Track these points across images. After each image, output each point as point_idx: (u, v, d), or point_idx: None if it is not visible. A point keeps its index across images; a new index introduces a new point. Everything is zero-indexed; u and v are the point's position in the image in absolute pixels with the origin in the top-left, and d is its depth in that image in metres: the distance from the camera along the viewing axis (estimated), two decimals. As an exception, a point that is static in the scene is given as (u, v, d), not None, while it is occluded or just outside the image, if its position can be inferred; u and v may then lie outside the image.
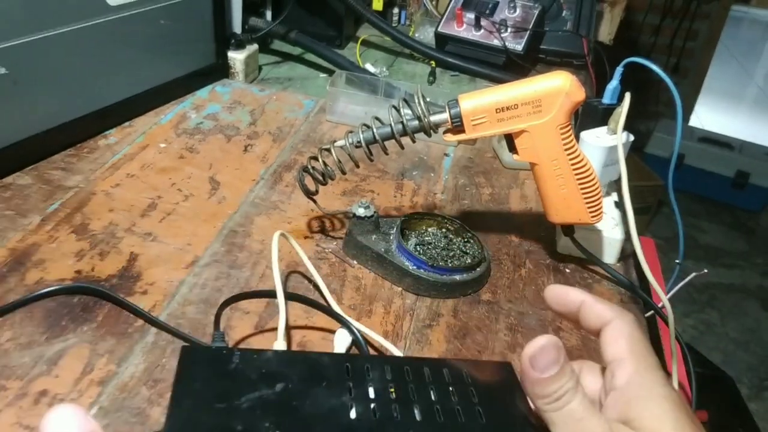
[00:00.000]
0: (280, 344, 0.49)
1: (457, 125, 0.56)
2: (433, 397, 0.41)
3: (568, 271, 0.65)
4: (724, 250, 2.57)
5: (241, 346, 0.52)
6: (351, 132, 0.59)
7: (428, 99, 0.60)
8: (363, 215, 0.61)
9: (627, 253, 0.68)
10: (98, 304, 0.54)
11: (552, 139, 0.56)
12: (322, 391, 0.40)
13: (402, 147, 0.59)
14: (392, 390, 0.41)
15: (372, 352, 0.52)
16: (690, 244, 2.55)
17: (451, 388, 0.42)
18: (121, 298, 0.53)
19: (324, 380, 0.41)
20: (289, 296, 0.53)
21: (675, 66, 3.00)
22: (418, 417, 0.39)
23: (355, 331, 0.50)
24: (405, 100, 0.59)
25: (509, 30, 1.11)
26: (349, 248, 0.63)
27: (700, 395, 0.57)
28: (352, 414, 0.39)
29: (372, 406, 0.40)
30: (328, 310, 0.53)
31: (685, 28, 2.92)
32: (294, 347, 0.52)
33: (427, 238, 0.64)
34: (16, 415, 0.44)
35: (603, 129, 0.67)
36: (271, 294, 0.51)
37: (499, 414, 0.41)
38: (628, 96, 0.64)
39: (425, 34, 1.22)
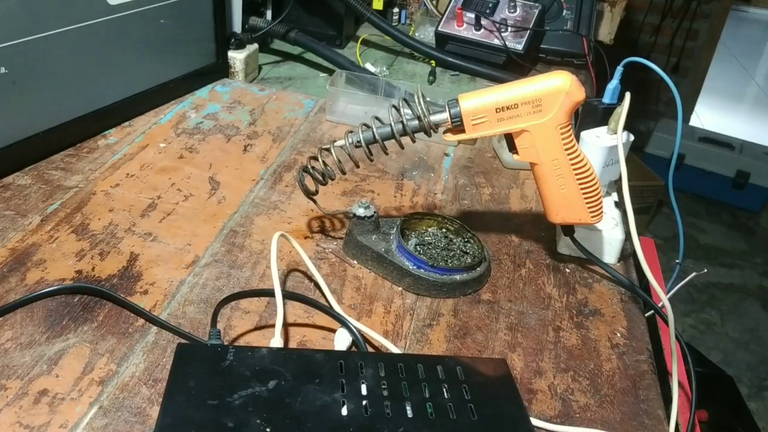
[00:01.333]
0: (276, 342, 0.49)
1: (457, 125, 0.56)
2: (425, 394, 0.41)
3: (568, 271, 0.65)
4: (723, 250, 2.57)
5: (240, 344, 0.52)
6: (351, 132, 0.59)
7: (428, 99, 0.60)
8: (363, 215, 0.61)
9: (627, 253, 0.68)
10: (99, 304, 0.54)
11: (552, 139, 0.56)
12: (314, 388, 0.40)
13: (402, 147, 0.59)
14: (385, 387, 0.41)
15: (371, 350, 0.52)
16: (690, 244, 2.55)
17: (444, 385, 0.42)
18: (121, 298, 0.53)
19: (317, 377, 0.41)
20: (288, 295, 0.53)
21: (675, 66, 3.00)
22: (409, 414, 0.39)
23: (354, 330, 0.50)
24: (405, 100, 0.59)
25: (509, 29, 1.11)
26: (349, 248, 0.63)
27: (700, 395, 0.57)
28: (344, 411, 0.39)
29: (364, 402, 0.40)
30: (326, 309, 0.53)
31: (685, 28, 2.92)
32: (294, 346, 0.52)
33: (427, 238, 0.64)
34: (17, 415, 0.44)
35: (603, 129, 0.67)
36: (269, 293, 0.51)
37: (492, 411, 0.41)
38: (628, 96, 0.64)
39: (425, 34, 1.22)
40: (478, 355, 0.53)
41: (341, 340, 0.52)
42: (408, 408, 0.40)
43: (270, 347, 0.45)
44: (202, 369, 0.41)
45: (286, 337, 0.53)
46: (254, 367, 0.41)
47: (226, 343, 0.50)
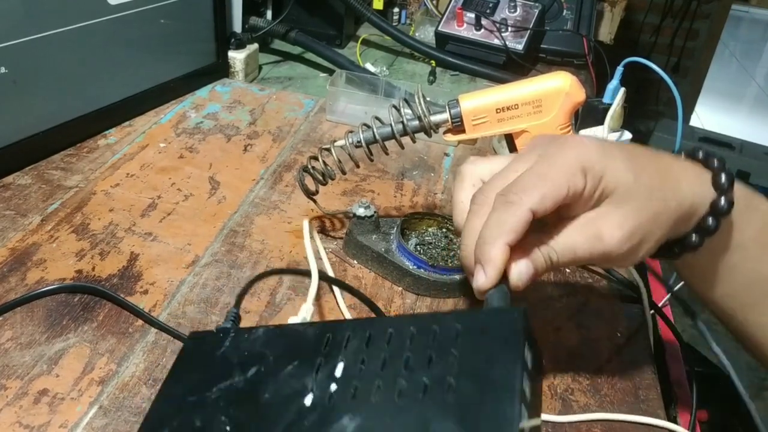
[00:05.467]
0: (299, 318, 0.46)
1: (457, 125, 0.56)
2: (402, 369, 0.34)
3: (568, 271, 0.65)
4: (724, 250, 2.57)
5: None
6: (351, 132, 0.59)
7: (428, 99, 0.60)
8: (363, 215, 0.61)
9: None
10: (99, 304, 0.54)
11: (552, 139, 0.56)
12: (289, 373, 0.37)
13: (402, 147, 0.59)
14: (362, 363, 0.36)
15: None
16: (690, 244, 2.55)
17: (431, 353, 0.35)
18: (121, 298, 0.53)
19: (297, 358, 0.38)
20: (324, 277, 0.52)
21: (675, 66, 3.01)
22: (374, 398, 0.34)
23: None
24: (405, 100, 0.59)
25: (510, 29, 1.11)
26: (350, 248, 0.63)
27: (700, 395, 0.57)
28: (307, 400, 0.35)
29: (332, 387, 0.35)
30: (361, 296, 0.52)
31: (685, 28, 2.93)
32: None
33: (427, 238, 0.64)
34: (16, 415, 0.44)
35: (601, 128, 0.67)
36: (306, 273, 0.50)
37: (477, 387, 0.32)
38: (622, 90, 0.64)
39: (425, 34, 1.22)
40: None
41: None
42: (376, 389, 0.34)
43: (266, 326, 0.42)
44: (201, 359, 0.39)
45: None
46: (244, 352, 0.39)
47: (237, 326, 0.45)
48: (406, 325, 0.37)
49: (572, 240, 0.40)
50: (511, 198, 0.39)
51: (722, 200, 0.42)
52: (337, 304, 0.57)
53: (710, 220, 0.43)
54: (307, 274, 0.50)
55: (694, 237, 0.43)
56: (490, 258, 0.39)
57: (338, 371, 0.36)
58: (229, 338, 0.40)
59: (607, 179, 0.40)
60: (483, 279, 0.40)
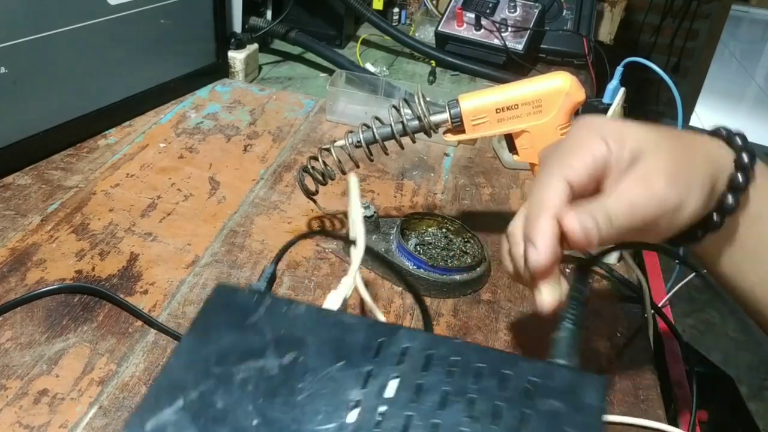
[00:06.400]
0: (340, 292, 0.44)
1: (457, 125, 0.56)
2: (465, 414, 0.31)
3: (568, 271, 0.65)
4: (724, 250, 2.57)
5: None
6: (351, 132, 0.59)
7: (428, 99, 0.60)
8: (363, 215, 0.61)
9: (627, 253, 0.68)
10: (99, 304, 0.54)
11: (552, 140, 0.56)
12: (333, 374, 0.33)
13: (402, 147, 0.59)
14: (418, 391, 0.32)
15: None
16: (690, 244, 2.54)
17: (500, 404, 0.31)
18: (120, 299, 0.53)
19: (343, 359, 0.34)
20: (369, 250, 0.48)
21: (675, 66, 3.00)
22: None
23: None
24: (405, 100, 0.59)
25: (509, 29, 1.11)
26: (349, 248, 0.63)
27: (700, 395, 0.57)
28: (351, 416, 0.31)
29: (381, 409, 0.31)
30: (408, 284, 0.50)
31: (685, 28, 2.92)
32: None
33: (427, 238, 0.64)
34: (16, 415, 0.44)
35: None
36: (347, 239, 0.46)
37: None
38: (621, 90, 0.64)
39: (425, 34, 1.22)
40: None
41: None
42: (432, 430, 0.31)
43: (308, 305, 0.37)
44: (227, 321, 0.35)
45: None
46: (280, 330, 0.35)
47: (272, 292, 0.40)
48: (473, 356, 0.34)
49: (628, 193, 0.38)
50: (542, 179, 0.39)
51: (740, 176, 0.41)
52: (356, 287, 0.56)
53: (729, 197, 0.41)
54: (348, 240, 0.45)
55: (715, 216, 0.42)
56: (539, 228, 0.37)
57: (390, 391, 0.32)
58: (264, 306, 0.36)
59: (631, 141, 0.39)
60: (534, 253, 0.38)
